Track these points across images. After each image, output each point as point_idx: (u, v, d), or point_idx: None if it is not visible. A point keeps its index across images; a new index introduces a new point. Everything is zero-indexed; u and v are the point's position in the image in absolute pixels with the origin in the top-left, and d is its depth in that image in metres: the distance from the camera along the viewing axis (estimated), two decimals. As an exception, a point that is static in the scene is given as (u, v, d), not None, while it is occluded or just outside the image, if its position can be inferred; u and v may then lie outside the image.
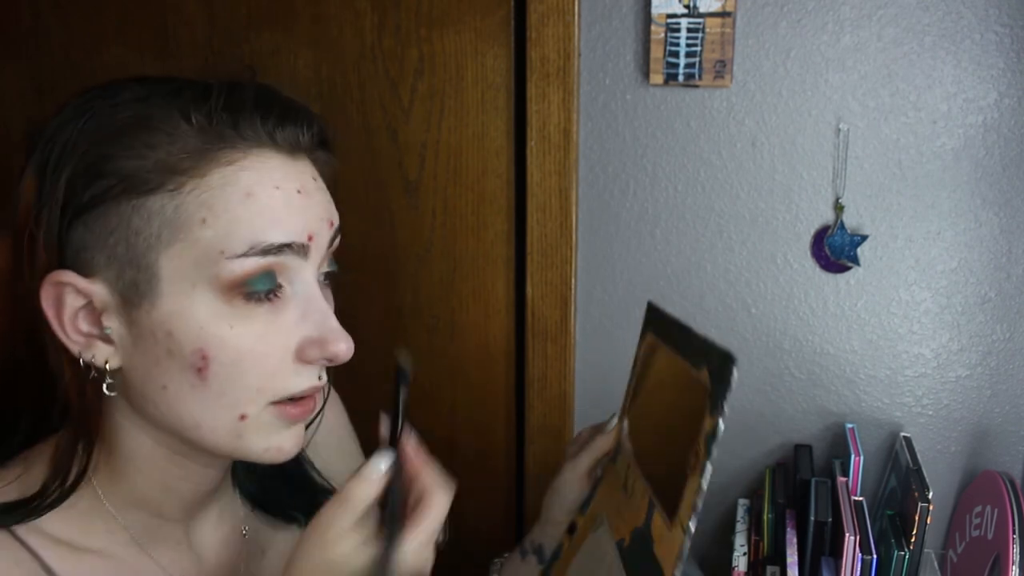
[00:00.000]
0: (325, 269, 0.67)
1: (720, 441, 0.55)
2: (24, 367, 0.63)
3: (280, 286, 0.62)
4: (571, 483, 0.79)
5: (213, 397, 0.60)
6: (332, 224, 0.66)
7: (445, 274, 1.18)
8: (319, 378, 0.64)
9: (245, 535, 0.77)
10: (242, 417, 0.61)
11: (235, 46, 1.17)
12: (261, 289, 0.60)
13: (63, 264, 0.59)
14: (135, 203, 0.58)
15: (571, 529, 0.77)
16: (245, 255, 0.59)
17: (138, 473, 0.65)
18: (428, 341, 1.21)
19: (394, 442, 0.65)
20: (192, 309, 0.59)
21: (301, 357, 0.62)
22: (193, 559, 0.70)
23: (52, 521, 0.61)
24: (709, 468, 0.56)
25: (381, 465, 0.62)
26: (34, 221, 0.59)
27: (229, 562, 0.75)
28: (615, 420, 0.79)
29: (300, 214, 0.62)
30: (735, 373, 0.56)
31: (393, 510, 0.63)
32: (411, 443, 0.65)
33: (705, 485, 0.55)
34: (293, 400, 0.63)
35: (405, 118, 1.15)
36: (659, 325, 0.71)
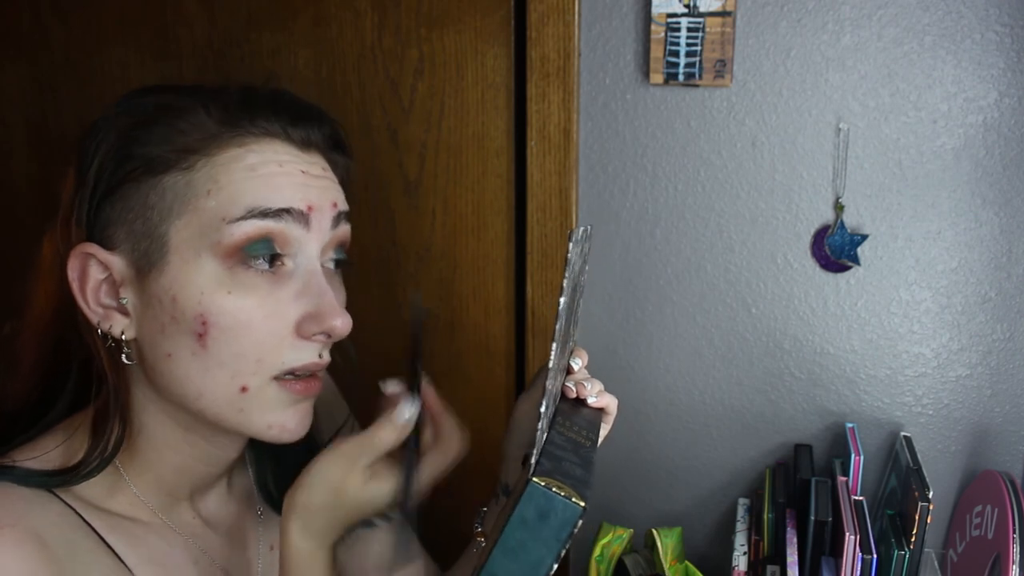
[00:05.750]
0: (332, 256, 0.69)
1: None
2: (67, 345, 0.68)
3: (281, 258, 0.65)
4: (525, 415, 0.77)
5: (214, 365, 0.63)
6: (336, 205, 0.68)
7: (445, 274, 1.18)
8: (320, 356, 0.67)
9: (260, 515, 0.80)
10: (243, 389, 0.64)
11: (235, 46, 1.17)
12: (259, 253, 0.63)
13: (92, 240, 0.64)
14: (152, 181, 0.63)
15: (524, 461, 0.78)
16: (243, 218, 0.62)
17: (155, 451, 0.69)
18: (428, 341, 1.21)
19: (416, 389, 0.69)
20: (194, 275, 0.63)
21: (300, 332, 0.65)
22: (208, 530, 0.74)
23: (80, 488, 0.65)
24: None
25: (406, 414, 0.67)
26: (71, 203, 0.64)
27: (244, 535, 0.78)
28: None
29: (301, 188, 0.66)
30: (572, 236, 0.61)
31: (411, 455, 0.68)
32: (430, 392, 0.70)
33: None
34: (296, 376, 0.65)
35: (405, 118, 1.15)
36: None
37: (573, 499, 0.52)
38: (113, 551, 0.64)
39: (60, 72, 1.23)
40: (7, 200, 1.29)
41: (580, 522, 0.53)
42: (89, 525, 0.63)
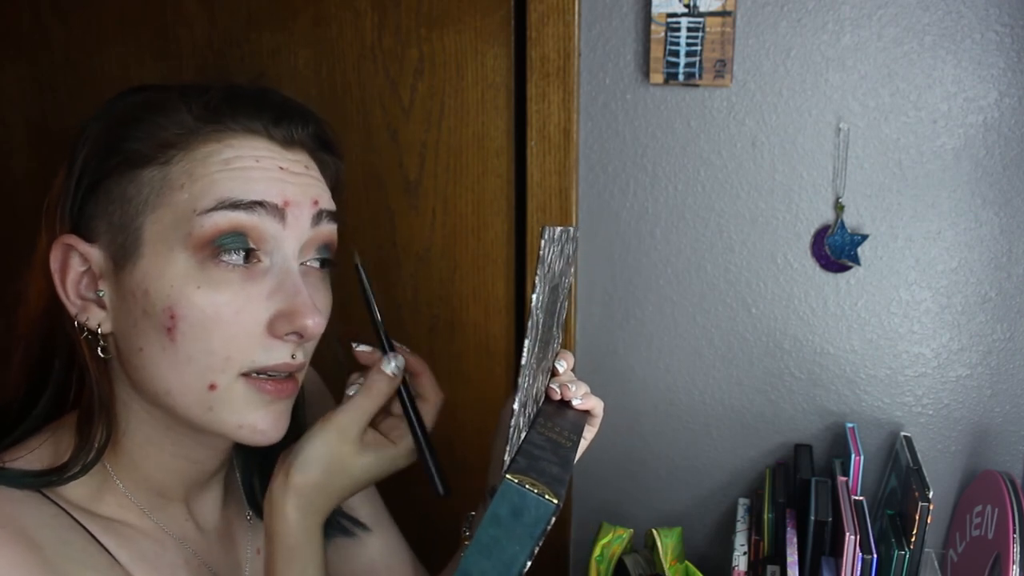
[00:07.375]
0: (315, 256, 0.68)
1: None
2: (54, 342, 0.67)
3: (256, 254, 0.64)
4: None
5: (182, 361, 0.62)
6: (317, 203, 0.67)
7: (445, 274, 1.18)
8: (292, 356, 0.66)
9: (249, 519, 0.80)
10: (212, 387, 0.63)
11: (235, 46, 1.17)
12: (232, 247, 0.62)
13: (76, 233, 0.64)
14: (131, 175, 0.63)
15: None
16: (214, 210, 0.62)
17: (140, 449, 0.68)
18: (428, 341, 1.21)
19: (389, 346, 0.70)
20: (166, 268, 0.62)
21: (272, 331, 0.64)
22: (199, 533, 0.73)
23: (68, 490, 0.65)
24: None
25: (392, 365, 0.68)
26: (57, 197, 0.65)
27: (234, 538, 0.77)
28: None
29: (277, 182, 0.65)
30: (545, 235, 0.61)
31: (413, 411, 0.69)
32: (405, 349, 0.71)
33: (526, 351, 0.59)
34: (268, 376, 0.65)
35: (405, 118, 1.15)
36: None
37: (546, 496, 0.52)
38: (107, 551, 0.63)
39: (60, 72, 1.23)
40: (7, 199, 1.29)
41: (553, 519, 0.52)
42: (81, 525, 0.63)
